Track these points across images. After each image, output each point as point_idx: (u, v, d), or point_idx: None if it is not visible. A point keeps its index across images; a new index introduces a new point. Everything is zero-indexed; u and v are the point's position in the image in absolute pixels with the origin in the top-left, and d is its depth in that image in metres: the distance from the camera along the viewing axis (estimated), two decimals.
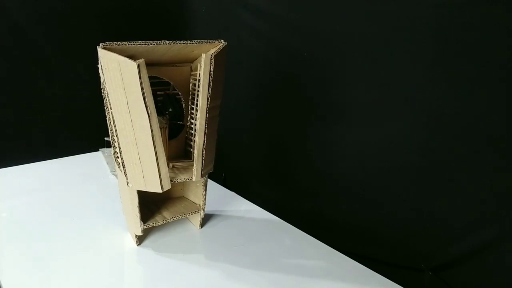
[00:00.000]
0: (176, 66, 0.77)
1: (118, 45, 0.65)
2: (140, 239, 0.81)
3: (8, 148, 1.34)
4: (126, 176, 0.71)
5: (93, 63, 0.70)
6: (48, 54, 1.38)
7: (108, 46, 0.65)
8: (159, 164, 0.68)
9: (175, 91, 0.77)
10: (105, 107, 0.72)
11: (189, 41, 0.71)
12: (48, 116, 1.43)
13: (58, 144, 1.43)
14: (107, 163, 1.18)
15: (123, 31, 1.47)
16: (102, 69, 0.66)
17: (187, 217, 0.88)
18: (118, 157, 0.74)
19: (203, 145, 0.74)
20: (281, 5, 1.11)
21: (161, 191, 0.71)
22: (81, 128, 1.47)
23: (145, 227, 0.77)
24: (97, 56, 0.67)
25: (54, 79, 1.42)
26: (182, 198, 0.89)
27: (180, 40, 0.71)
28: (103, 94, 0.71)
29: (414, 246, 1.00)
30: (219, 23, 1.33)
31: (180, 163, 0.81)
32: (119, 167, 0.76)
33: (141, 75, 0.63)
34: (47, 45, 1.38)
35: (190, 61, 0.77)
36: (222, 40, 0.74)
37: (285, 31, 1.09)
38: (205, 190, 0.83)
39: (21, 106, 1.37)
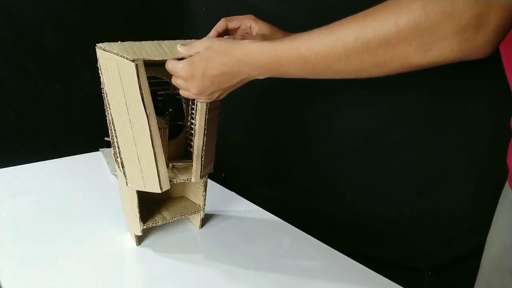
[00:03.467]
0: None
1: None
2: (139, 239, 0.81)
3: (8, 148, 1.34)
4: (125, 176, 0.71)
5: (93, 62, 0.70)
6: (48, 53, 1.38)
7: (108, 47, 0.65)
8: (158, 164, 0.68)
9: (175, 91, 0.77)
10: (105, 107, 0.72)
11: (188, 40, 0.71)
12: (48, 116, 1.43)
13: (58, 144, 1.44)
14: (107, 163, 1.18)
15: (123, 30, 1.47)
16: (100, 69, 0.66)
17: (187, 218, 0.88)
18: (117, 157, 0.74)
19: (202, 146, 0.74)
20: (281, 5, 1.11)
21: (160, 192, 0.71)
22: (81, 128, 1.47)
23: (144, 227, 0.77)
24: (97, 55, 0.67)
25: (54, 79, 1.42)
26: (182, 198, 0.89)
27: (180, 40, 0.71)
28: (103, 94, 0.71)
29: (414, 246, 1.00)
30: None
31: (180, 163, 0.81)
32: (119, 167, 0.76)
33: (139, 75, 0.63)
34: (47, 44, 1.38)
35: None
36: None
37: (286, 31, 1.09)
38: (205, 190, 0.83)
39: (20, 106, 1.37)
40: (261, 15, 1.18)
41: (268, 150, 1.29)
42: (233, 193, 1.06)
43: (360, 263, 0.77)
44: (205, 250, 0.82)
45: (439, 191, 0.93)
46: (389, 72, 0.49)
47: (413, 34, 0.44)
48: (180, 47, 0.66)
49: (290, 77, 0.57)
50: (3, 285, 0.68)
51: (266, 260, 0.78)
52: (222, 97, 0.67)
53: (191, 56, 0.64)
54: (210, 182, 1.02)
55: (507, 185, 0.65)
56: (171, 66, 0.65)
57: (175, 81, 0.67)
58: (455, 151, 0.89)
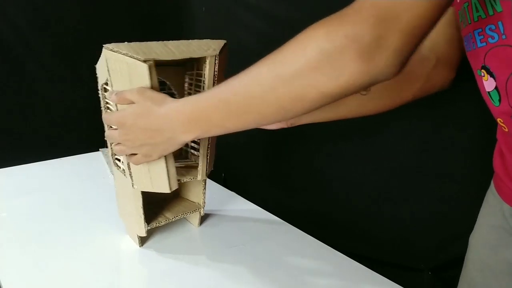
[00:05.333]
0: (172, 66, 0.77)
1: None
2: (142, 240, 0.81)
3: (8, 148, 1.34)
4: (131, 178, 0.71)
5: (93, 62, 0.70)
6: (48, 53, 1.38)
7: (117, 48, 0.64)
8: (168, 164, 0.68)
9: (171, 91, 0.77)
10: (101, 108, 0.72)
11: (191, 40, 0.71)
12: (48, 116, 1.43)
13: (58, 144, 1.44)
14: (107, 163, 1.18)
15: (122, 30, 1.46)
16: (108, 70, 0.65)
17: (187, 217, 0.88)
18: (118, 159, 0.74)
19: (208, 145, 0.74)
20: (282, 5, 1.11)
21: (168, 192, 0.71)
22: (81, 128, 1.47)
23: (148, 228, 0.77)
24: (97, 56, 0.67)
25: (54, 79, 1.42)
26: (180, 198, 0.90)
27: (183, 40, 0.71)
28: (100, 95, 0.71)
29: (414, 246, 1.00)
30: (219, 23, 1.33)
31: (177, 163, 0.81)
32: (118, 169, 0.75)
33: (152, 76, 0.63)
34: (47, 44, 1.38)
35: (190, 61, 0.77)
36: (223, 40, 0.74)
37: (286, 31, 1.09)
38: (205, 188, 0.84)
39: (21, 106, 1.37)
40: (261, 15, 1.18)
41: (268, 150, 1.29)
42: (233, 193, 1.06)
43: (360, 263, 0.77)
44: (205, 250, 0.82)
45: (439, 191, 0.93)
46: (310, 106, 0.50)
47: (322, 61, 0.45)
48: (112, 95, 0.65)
49: (218, 129, 0.58)
50: (3, 285, 0.68)
51: (266, 260, 0.78)
52: (154, 156, 0.65)
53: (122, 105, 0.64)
54: (210, 182, 1.02)
55: (492, 186, 0.66)
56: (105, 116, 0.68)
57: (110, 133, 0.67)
58: (455, 151, 0.89)
